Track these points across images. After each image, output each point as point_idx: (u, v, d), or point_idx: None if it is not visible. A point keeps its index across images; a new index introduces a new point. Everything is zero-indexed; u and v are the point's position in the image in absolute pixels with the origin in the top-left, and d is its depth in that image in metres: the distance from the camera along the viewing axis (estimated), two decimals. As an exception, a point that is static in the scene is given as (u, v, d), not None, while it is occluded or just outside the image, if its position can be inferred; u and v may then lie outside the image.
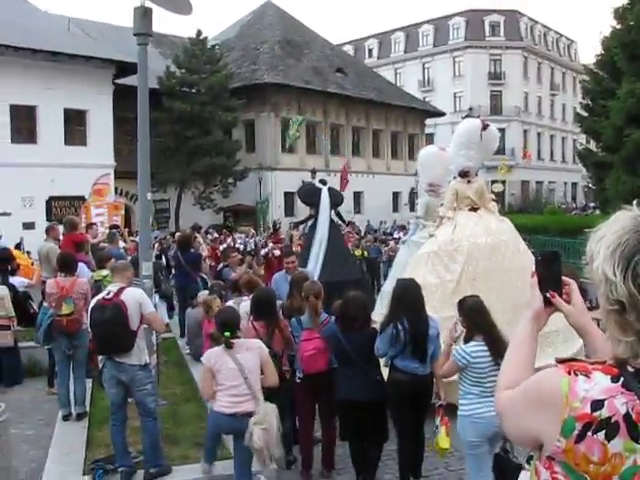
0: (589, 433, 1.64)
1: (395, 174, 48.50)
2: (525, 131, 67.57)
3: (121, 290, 6.32)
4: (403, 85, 62.66)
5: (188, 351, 10.86)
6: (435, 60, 68.10)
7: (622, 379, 1.66)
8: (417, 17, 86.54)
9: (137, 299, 6.33)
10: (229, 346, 5.68)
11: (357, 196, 44.86)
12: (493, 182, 59.32)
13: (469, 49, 65.55)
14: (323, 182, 12.52)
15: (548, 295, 2.02)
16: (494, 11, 66.72)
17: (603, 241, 1.72)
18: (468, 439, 5.38)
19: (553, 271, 2.05)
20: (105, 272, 9.18)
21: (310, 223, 12.72)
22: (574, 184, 72.02)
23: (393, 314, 6.45)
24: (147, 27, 7.09)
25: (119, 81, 30.50)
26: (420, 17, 77.96)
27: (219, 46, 39.84)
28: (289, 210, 40.15)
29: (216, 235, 26.57)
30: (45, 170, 27.62)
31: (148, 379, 6.45)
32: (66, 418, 8.21)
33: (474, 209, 9.55)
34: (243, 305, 7.58)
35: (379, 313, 9.42)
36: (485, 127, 9.71)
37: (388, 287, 10.28)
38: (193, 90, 35.36)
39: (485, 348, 5.44)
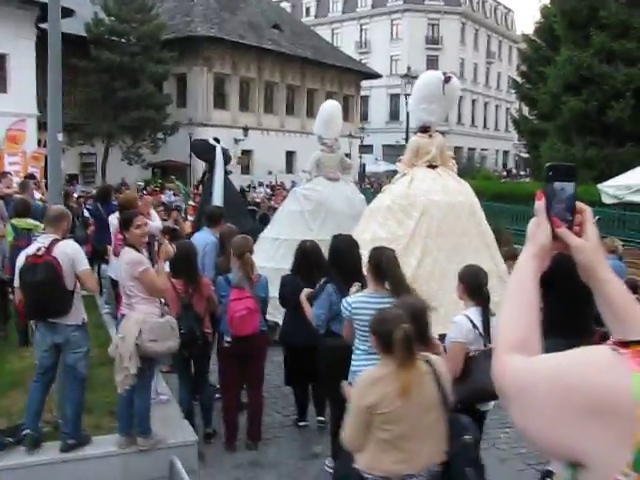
0: None
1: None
2: (460, 97, 67.63)
3: (53, 244, 5.55)
4: (340, 46, 61.83)
5: (107, 310, 10.16)
6: (373, 22, 67.53)
7: None
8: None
9: (69, 255, 5.56)
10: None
11: (289, 155, 44.27)
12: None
13: (407, 12, 65.21)
14: (217, 140, 12.53)
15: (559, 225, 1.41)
16: (433, -25, 66.36)
17: None
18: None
19: (567, 192, 1.45)
20: (32, 221, 8.58)
21: (206, 179, 12.69)
22: (505, 152, 73.05)
23: (331, 273, 5.92)
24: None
25: (43, 25, 28.87)
26: (359, -23, 76.85)
27: (152, -5, 38.29)
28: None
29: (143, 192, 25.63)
30: (-40, 116, 25.99)
31: (84, 340, 5.81)
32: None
33: (432, 167, 9.10)
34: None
35: (261, 258, 9.02)
36: (447, 80, 9.23)
37: (270, 233, 10.42)
38: (123, 40, 33.87)
39: (374, 299, 4.92)
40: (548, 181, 1.45)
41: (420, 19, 65.33)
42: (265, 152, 41.93)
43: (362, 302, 4.99)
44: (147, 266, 5.78)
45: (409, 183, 8.77)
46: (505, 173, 60.12)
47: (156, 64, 34.45)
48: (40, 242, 5.71)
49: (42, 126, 27.95)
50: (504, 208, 19.70)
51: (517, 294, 1.41)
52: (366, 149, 55.07)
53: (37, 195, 12.21)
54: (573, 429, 1.10)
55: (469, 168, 50.44)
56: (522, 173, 58.07)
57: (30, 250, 5.67)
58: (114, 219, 8.99)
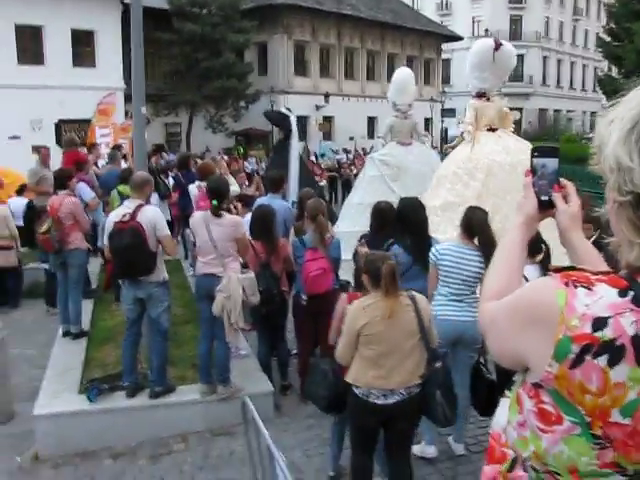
0: (588, 357, 1.34)
1: (410, 100, 47.65)
2: (545, 57, 65.95)
3: (138, 209, 6.05)
4: (420, 8, 60.90)
5: (192, 273, 10.70)
6: (455, -18, 66.10)
7: (632, 293, 1.34)
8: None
9: (152, 220, 6.06)
10: (216, 213, 6.17)
11: (371, 121, 44.22)
12: (510, 109, 58.36)
13: (490, -29, 63.48)
14: (289, 110, 13.39)
15: (543, 197, 1.72)
16: None
17: (616, 122, 1.38)
18: None
19: (550, 169, 1.74)
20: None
21: (281, 145, 13.15)
22: (593, 113, 70.72)
23: (398, 233, 6.20)
24: None
25: (127, 0, 29.72)
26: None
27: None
28: (302, 134, 39.67)
29: (226, 158, 26.29)
30: (53, 92, 27.20)
31: (165, 296, 6.34)
32: (65, 335, 8.17)
33: (492, 129, 9.25)
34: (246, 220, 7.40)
35: (347, 224, 9.94)
36: (498, 47, 9.29)
37: (353, 199, 10.80)
38: (204, 11, 34.45)
39: (459, 248, 5.31)
40: (534, 161, 1.76)
41: (503, -23, 63.60)
42: (346, 118, 41.98)
43: (448, 250, 5.39)
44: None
45: (471, 147, 8.94)
46: (591, 135, 58.34)
47: (237, 33, 34.90)
48: (126, 207, 6.19)
49: (129, 98, 29.00)
50: (586, 171, 19.40)
51: (503, 255, 1.77)
52: (449, 113, 54.38)
53: (124, 164, 12.89)
54: (520, 339, 1.47)
55: (553, 131, 49.35)
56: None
57: (116, 216, 6.17)
58: (194, 188, 9.51)
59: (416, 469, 5.19)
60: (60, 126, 28.80)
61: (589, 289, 1.37)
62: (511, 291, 1.60)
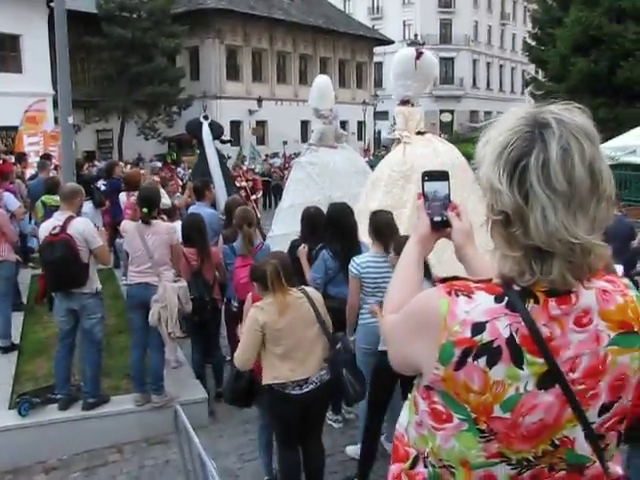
0: (469, 359, 1.47)
1: (343, 102, 47.86)
2: (474, 60, 67.29)
3: (68, 222, 5.99)
4: (352, 13, 61.41)
5: (124, 281, 10.63)
6: (385, -14, 66.86)
7: (507, 299, 1.48)
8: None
9: (83, 232, 6.01)
10: (146, 222, 6.22)
11: (304, 125, 44.35)
12: (442, 112, 59.41)
13: (419, -25, 64.43)
14: (205, 117, 13.01)
15: (436, 218, 1.85)
16: (445, -64, 65.42)
17: (489, 145, 1.50)
18: (361, 346, 5.48)
19: (441, 192, 1.87)
20: (55, 197, 8.93)
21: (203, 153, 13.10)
22: (522, 114, 72.40)
23: (327, 239, 6.32)
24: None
25: (54, 3, 29.12)
26: (370, -58, 76.25)
27: (161, -32, 38.40)
28: (235, 140, 39.62)
29: (159, 164, 26.04)
30: (-23, 98, 26.49)
31: (99, 307, 6.29)
32: (-8, 349, 8.04)
33: (420, 133, 9.50)
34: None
35: (273, 230, 10.30)
36: (419, 56, 9.53)
37: (284, 203, 10.95)
38: (134, 15, 34.10)
39: (377, 259, 5.47)
40: (425, 184, 1.89)
41: (433, -18, 64.64)
42: (280, 122, 42.11)
43: (369, 262, 5.49)
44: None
45: (403, 151, 9.14)
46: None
47: (168, 38, 34.65)
48: (56, 219, 6.13)
49: (58, 104, 28.45)
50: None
51: (402, 271, 1.93)
52: (381, 115, 55.00)
53: (56, 174, 12.69)
54: (411, 345, 1.61)
55: (483, 132, 50.29)
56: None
57: (46, 229, 6.09)
58: (123, 196, 9.49)
59: (350, 469, 5.33)
60: (-15, 133, 28.10)
61: (469, 297, 1.50)
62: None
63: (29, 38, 29.45)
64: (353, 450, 5.76)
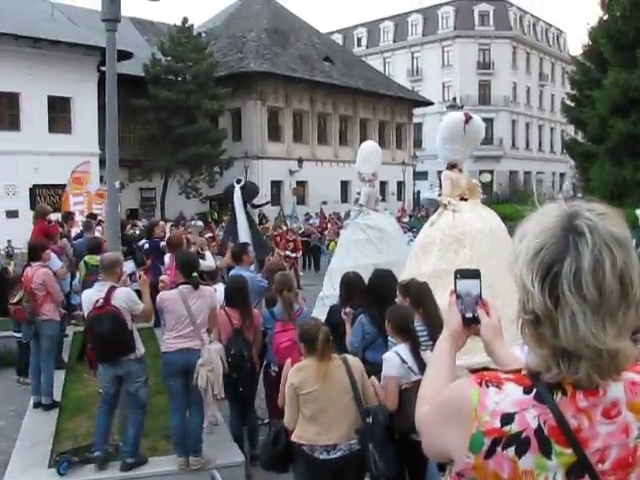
0: (498, 449, 1.51)
1: (382, 163, 48.02)
2: (513, 121, 67.55)
3: (110, 293, 6.15)
4: (392, 74, 62.40)
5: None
6: (424, 49, 67.84)
7: (535, 390, 1.53)
8: (406, 6, 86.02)
9: (127, 303, 6.20)
10: (196, 287, 6.37)
11: (344, 185, 44.73)
12: (481, 172, 59.47)
13: (458, 38, 65.30)
14: (238, 181, 13.35)
15: (467, 315, 1.93)
16: (483, 0, 66.47)
17: (525, 241, 1.56)
18: None
19: (472, 290, 1.95)
20: (96, 257, 9.22)
21: (230, 219, 13.54)
22: (562, 174, 72.21)
23: (366, 304, 6.38)
24: (115, 12, 6.95)
25: (105, 68, 30.12)
26: (409, 6, 77.71)
27: (206, 34, 39.64)
28: (275, 199, 40.15)
29: (200, 223, 26.46)
30: (29, 158, 27.38)
31: (142, 371, 6.44)
32: (36, 406, 8.15)
33: (463, 199, 9.56)
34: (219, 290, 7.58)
35: (329, 289, 10.56)
36: (468, 120, 9.62)
37: (335, 264, 11.32)
38: (179, 78, 35.12)
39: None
40: (457, 282, 1.97)
41: (471, 45, 65.40)
42: (320, 182, 42.53)
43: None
44: None
45: (453, 215, 9.24)
46: (560, 197, 59.17)
47: (211, 100, 35.51)
48: (97, 290, 6.29)
49: (104, 163, 29.16)
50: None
51: (435, 365, 1.99)
52: (421, 175, 55.28)
53: (101, 233, 13.02)
54: (443, 433, 1.65)
55: (524, 193, 50.18)
56: (579, 196, 57.26)
57: (89, 299, 6.26)
58: (167, 257, 9.71)
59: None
60: (35, 191, 28.89)
61: (499, 387, 1.55)
62: None
63: (79, 100, 30.48)
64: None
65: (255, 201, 13.79)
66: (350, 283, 7.01)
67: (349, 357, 5.01)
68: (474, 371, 1.65)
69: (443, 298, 7.97)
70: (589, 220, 1.49)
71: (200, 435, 6.53)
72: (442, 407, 1.68)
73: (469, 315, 1.93)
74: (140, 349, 6.40)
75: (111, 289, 6.20)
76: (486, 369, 1.66)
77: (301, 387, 4.71)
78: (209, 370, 6.21)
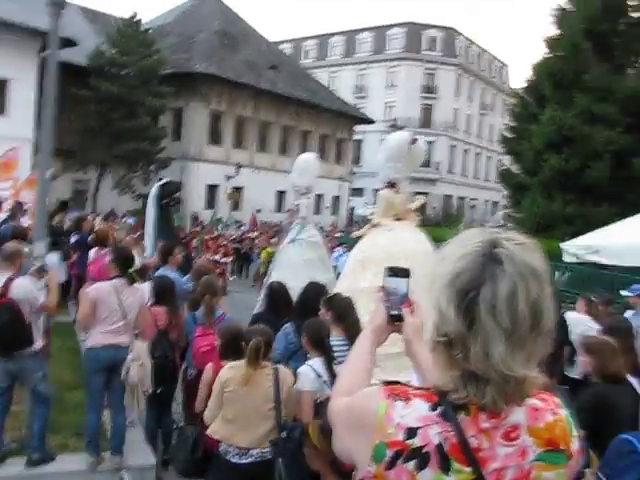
0: (399, 461, 1.56)
1: (320, 176, 48.23)
2: (452, 146, 68.85)
3: (7, 285, 5.93)
4: (337, 89, 62.78)
5: (84, 338, 10.52)
6: (371, 68, 68.67)
7: (440, 408, 1.57)
8: (357, 23, 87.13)
9: (25, 295, 5.98)
10: (131, 282, 6.39)
11: (280, 195, 44.78)
12: (416, 193, 60.16)
13: (405, 60, 66.35)
14: (160, 180, 14.23)
15: (392, 312, 1.97)
16: (433, 26, 67.73)
17: (444, 264, 1.60)
18: None
19: (401, 287, 2.00)
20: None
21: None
22: (495, 203, 73.86)
23: (294, 315, 6.45)
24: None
25: (45, 54, 29.46)
26: (360, 24, 78.67)
27: (154, 30, 39.08)
28: (210, 203, 39.95)
29: (131, 221, 26.03)
30: (-43, 139, 26.49)
31: (39, 366, 6.21)
32: None
33: (398, 219, 9.72)
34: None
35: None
36: (414, 141, 9.86)
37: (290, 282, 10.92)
38: (123, 72, 34.54)
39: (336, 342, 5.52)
40: (386, 280, 2.03)
41: (417, 68, 66.50)
42: (256, 190, 42.40)
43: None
44: None
45: (391, 235, 9.39)
46: (490, 225, 60.19)
47: (154, 97, 35.00)
48: None
49: (38, 150, 28.48)
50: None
51: (354, 358, 2.03)
52: (357, 192, 55.77)
53: (27, 222, 12.67)
54: (349, 439, 1.71)
55: (457, 218, 51.15)
56: (509, 225, 58.52)
57: None
58: (92, 252, 9.55)
59: None
60: (-39, 174, 27.95)
61: (406, 402, 1.59)
62: (360, 387, 1.84)
63: (16, 83, 29.70)
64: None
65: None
66: (276, 293, 7.05)
67: (281, 369, 5.07)
68: (386, 383, 1.68)
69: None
70: (508, 250, 1.54)
71: (124, 433, 6.45)
72: (350, 414, 1.72)
73: (394, 312, 1.98)
74: (37, 343, 6.16)
75: (9, 280, 5.97)
76: (397, 383, 1.69)
77: (227, 384, 4.78)
78: (139, 365, 6.17)
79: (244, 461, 4.77)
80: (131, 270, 6.43)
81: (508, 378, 1.51)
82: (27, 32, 28.66)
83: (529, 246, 1.58)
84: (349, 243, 19.56)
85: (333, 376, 5.06)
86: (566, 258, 14.58)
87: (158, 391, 6.91)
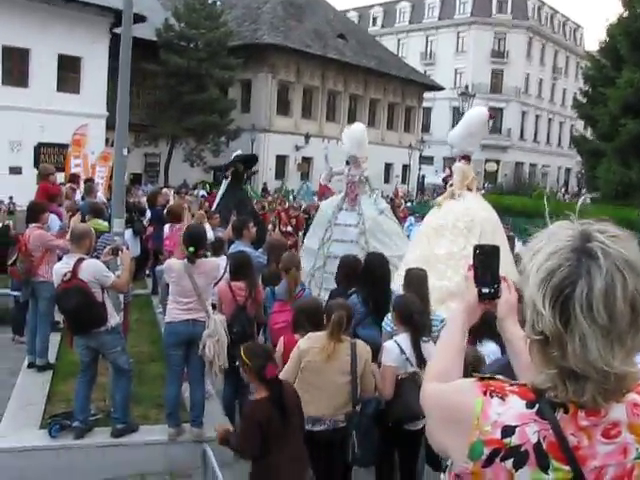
0: (497, 459, 1.53)
1: (389, 145, 48.23)
2: (523, 112, 67.25)
3: (77, 266, 6.01)
4: (405, 56, 62.02)
5: (160, 310, 10.74)
6: (439, 33, 67.40)
7: (538, 406, 1.54)
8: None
9: (94, 275, 6.04)
10: (192, 262, 6.27)
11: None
12: (487, 161, 59.29)
13: (474, 25, 64.82)
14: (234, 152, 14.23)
15: (484, 290, 1.93)
16: (502, -13, 65.87)
17: (535, 260, 1.55)
18: None
19: (491, 265, 1.94)
20: (101, 222, 9.40)
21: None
22: (568, 169, 72.10)
23: (359, 285, 6.49)
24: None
25: (117, 30, 29.98)
26: (428, -12, 76.95)
27: (221, 2, 39.25)
28: (280, 173, 40.12)
29: (203, 192, 26.38)
30: (35, 115, 27.28)
31: (116, 341, 6.32)
32: (30, 366, 8.16)
33: (468, 189, 10.02)
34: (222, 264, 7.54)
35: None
36: (491, 117, 10.11)
37: (310, 244, 11.40)
38: (191, 45, 34.90)
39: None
40: (476, 258, 1.95)
41: (487, 32, 64.92)
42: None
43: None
44: None
45: (463, 203, 9.51)
46: (563, 192, 58.95)
47: (222, 70, 35.35)
48: (65, 263, 6.19)
49: (110, 126, 29.13)
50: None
51: (447, 339, 2.01)
52: (427, 160, 55.10)
53: (102, 198, 12.97)
54: (443, 433, 1.68)
55: (528, 186, 50.07)
56: (583, 191, 57.07)
57: (58, 272, 6.11)
58: (166, 228, 9.70)
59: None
60: (39, 149, 28.72)
61: (503, 399, 1.56)
62: (455, 370, 1.84)
63: (89, 61, 30.36)
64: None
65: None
66: (350, 266, 7.04)
67: (359, 343, 5.07)
68: (481, 378, 1.66)
69: (453, 280, 8.33)
70: (602, 243, 1.49)
71: (203, 406, 6.56)
72: (445, 409, 1.70)
73: (485, 290, 1.93)
74: (112, 320, 6.25)
75: (78, 262, 6.06)
76: (493, 378, 1.66)
77: (305, 354, 4.85)
78: (215, 341, 6.23)
79: (317, 429, 4.87)
80: (191, 249, 6.33)
81: (608, 375, 1.46)
82: (98, 10, 29.16)
83: (623, 237, 1.52)
84: (420, 212, 19.38)
85: (418, 353, 5.09)
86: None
87: (236, 364, 7.01)
